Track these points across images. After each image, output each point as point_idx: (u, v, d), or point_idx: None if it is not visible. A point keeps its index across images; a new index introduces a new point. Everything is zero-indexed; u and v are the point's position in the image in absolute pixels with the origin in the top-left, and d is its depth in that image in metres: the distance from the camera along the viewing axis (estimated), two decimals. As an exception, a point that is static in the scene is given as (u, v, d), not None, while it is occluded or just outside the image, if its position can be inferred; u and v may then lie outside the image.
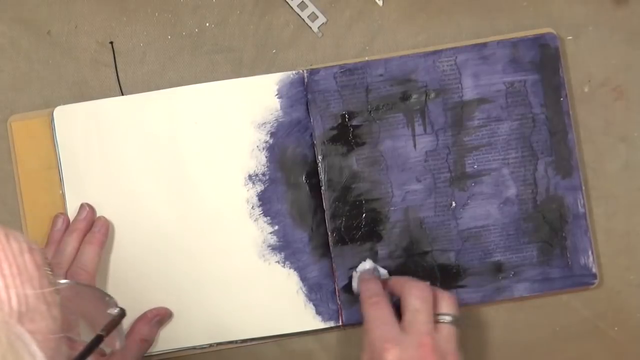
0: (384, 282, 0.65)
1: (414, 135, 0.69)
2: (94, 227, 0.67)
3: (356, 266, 0.68)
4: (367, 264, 0.67)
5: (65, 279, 0.64)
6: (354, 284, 0.67)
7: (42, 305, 0.40)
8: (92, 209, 0.68)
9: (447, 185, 0.68)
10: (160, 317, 0.67)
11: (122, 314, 0.50)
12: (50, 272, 0.42)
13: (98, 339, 0.48)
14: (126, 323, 0.67)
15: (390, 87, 0.69)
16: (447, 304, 0.61)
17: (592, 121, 0.70)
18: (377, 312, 0.61)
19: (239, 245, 0.68)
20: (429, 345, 0.58)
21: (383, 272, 0.67)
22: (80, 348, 0.47)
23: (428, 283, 0.61)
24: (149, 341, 0.67)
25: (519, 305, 0.69)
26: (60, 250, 0.66)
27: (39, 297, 0.40)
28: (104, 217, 0.68)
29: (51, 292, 0.42)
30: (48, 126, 0.69)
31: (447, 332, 0.60)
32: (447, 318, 0.60)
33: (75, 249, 0.66)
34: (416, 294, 0.60)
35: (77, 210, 0.68)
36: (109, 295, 0.52)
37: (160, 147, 0.69)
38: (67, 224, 0.68)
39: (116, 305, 0.51)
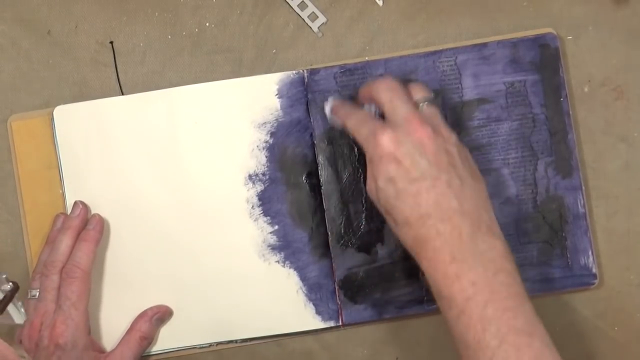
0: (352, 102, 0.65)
1: (414, 135, 0.69)
2: (89, 225, 0.67)
3: (357, 265, 0.68)
4: (331, 99, 0.67)
5: (60, 276, 0.64)
6: (329, 117, 0.67)
7: None
8: (85, 206, 0.68)
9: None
10: (161, 314, 0.67)
11: (15, 289, 0.49)
12: None
13: None
14: (126, 321, 0.67)
15: (390, 87, 0.69)
16: (417, 90, 0.61)
17: (592, 121, 0.70)
18: (356, 117, 0.61)
19: (238, 245, 0.68)
20: (416, 119, 0.57)
21: (332, 100, 0.67)
22: None
23: (389, 76, 0.62)
24: (149, 339, 0.67)
25: (519, 305, 0.69)
26: (54, 248, 0.66)
27: None
28: (98, 215, 0.68)
29: None
30: (48, 126, 0.69)
31: (428, 111, 0.60)
32: (423, 101, 0.60)
33: (70, 246, 0.66)
34: (383, 86, 0.60)
35: (76, 210, 0.68)
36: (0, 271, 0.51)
37: (160, 147, 0.69)
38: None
39: (8, 281, 0.49)
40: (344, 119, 0.63)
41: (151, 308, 0.67)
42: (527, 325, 0.54)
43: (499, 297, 0.54)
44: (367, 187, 0.60)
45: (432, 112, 0.60)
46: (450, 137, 0.59)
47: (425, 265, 0.57)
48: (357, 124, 0.61)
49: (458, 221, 0.56)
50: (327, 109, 0.67)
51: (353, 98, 0.67)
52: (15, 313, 0.51)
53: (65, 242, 0.66)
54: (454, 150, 0.58)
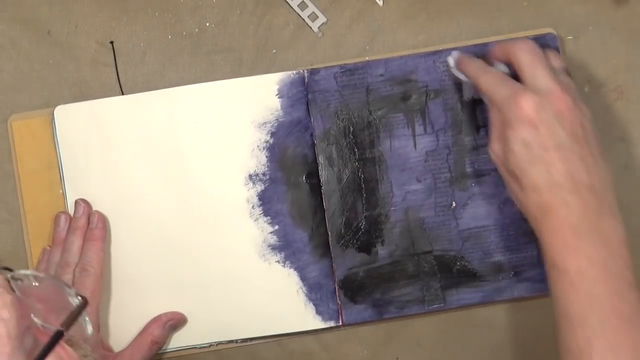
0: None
1: (414, 135, 0.69)
2: (91, 224, 0.67)
3: (357, 265, 0.68)
4: (456, 53, 0.66)
5: (73, 277, 0.64)
6: (454, 71, 0.66)
7: None
8: (87, 204, 0.68)
9: (448, 185, 0.68)
10: (175, 322, 0.67)
11: (83, 304, 0.49)
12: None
13: (58, 335, 0.47)
14: (125, 321, 0.67)
15: (390, 87, 0.69)
16: (555, 59, 0.61)
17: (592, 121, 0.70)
18: (492, 75, 0.60)
19: (239, 244, 0.68)
20: (559, 88, 0.57)
21: (458, 52, 0.67)
22: (48, 337, 0.46)
23: (531, 40, 0.61)
24: (160, 344, 0.67)
25: (519, 305, 0.69)
26: (66, 250, 0.66)
27: None
28: (98, 212, 0.68)
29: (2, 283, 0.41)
30: (48, 126, 0.69)
31: (567, 82, 0.59)
32: (562, 70, 0.60)
33: (81, 247, 0.66)
34: (525, 48, 0.59)
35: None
36: (68, 285, 0.51)
37: (161, 147, 0.69)
38: (70, 222, 0.68)
39: (76, 295, 0.50)
40: (477, 74, 0.62)
41: (165, 314, 0.67)
42: (632, 312, 0.53)
43: (610, 279, 0.54)
44: (492, 148, 0.59)
45: (570, 83, 0.59)
46: (587, 112, 0.58)
47: (544, 233, 0.56)
48: (493, 82, 0.60)
49: (587, 196, 0.55)
50: (452, 61, 0.66)
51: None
52: (83, 326, 0.52)
53: (76, 243, 0.66)
54: (589, 127, 0.58)
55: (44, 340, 0.46)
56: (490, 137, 0.60)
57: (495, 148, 0.59)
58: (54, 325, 0.47)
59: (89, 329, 0.52)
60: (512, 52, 0.60)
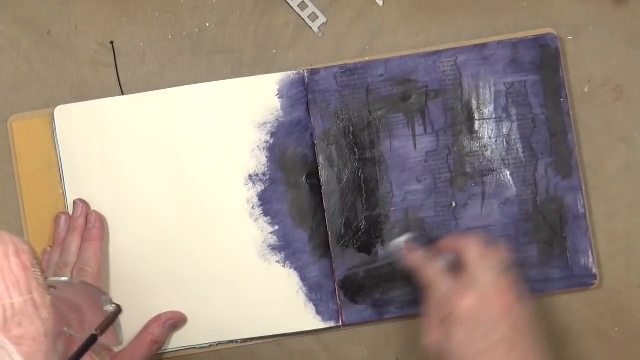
0: (428, 248, 0.65)
1: (414, 136, 0.69)
2: (89, 224, 0.67)
3: (357, 265, 0.68)
4: (402, 238, 0.68)
5: (72, 277, 0.64)
6: (396, 252, 0.67)
7: (29, 308, 0.40)
8: (85, 204, 0.68)
9: (448, 186, 0.68)
10: (175, 321, 0.67)
11: (118, 311, 0.50)
12: (39, 273, 0.42)
13: (92, 339, 0.48)
14: (125, 321, 0.67)
15: (390, 87, 0.69)
16: (498, 253, 0.62)
17: (592, 121, 0.70)
18: (434, 270, 0.62)
19: (239, 245, 0.68)
20: (503, 284, 0.59)
21: (408, 237, 0.68)
22: (77, 345, 0.47)
23: (479, 236, 0.63)
24: (160, 343, 0.67)
25: (519, 305, 0.69)
26: (65, 250, 0.66)
27: (26, 300, 0.40)
28: (96, 212, 0.68)
29: (40, 294, 0.41)
30: (48, 126, 0.69)
31: (509, 277, 0.61)
32: (504, 265, 0.61)
33: (79, 247, 0.66)
34: (474, 247, 0.61)
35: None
36: (104, 293, 0.51)
37: (161, 147, 0.69)
38: None
39: (111, 302, 0.50)
40: (420, 266, 0.63)
41: (165, 313, 0.67)
42: None
43: None
44: (430, 337, 0.61)
45: (511, 278, 0.61)
46: (528, 309, 0.60)
47: None
48: (435, 277, 0.62)
49: None
50: (399, 242, 0.67)
51: (430, 243, 0.67)
52: (117, 333, 0.52)
53: (75, 244, 0.66)
54: (530, 323, 0.60)
55: (74, 347, 0.47)
56: (426, 327, 0.61)
57: (433, 336, 0.61)
58: (83, 334, 0.48)
59: (121, 335, 0.52)
60: (461, 248, 0.62)
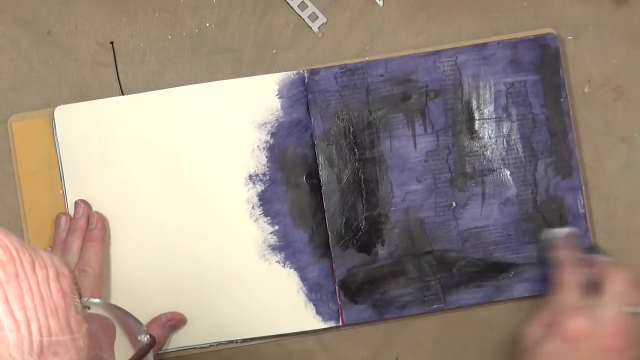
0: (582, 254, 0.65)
1: (414, 136, 0.69)
2: (90, 225, 0.67)
3: (357, 265, 0.68)
4: (563, 230, 0.67)
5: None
6: (548, 237, 0.67)
7: (66, 336, 0.38)
8: (87, 204, 0.68)
9: (448, 186, 0.68)
10: (174, 322, 0.67)
11: (152, 342, 0.49)
12: (78, 299, 0.40)
13: None
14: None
15: (390, 87, 0.69)
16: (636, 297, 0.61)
17: (592, 121, 0.70)
18: (572, 279, 0.61)
19: (239, 245, 0.68)
20: (620, 328, 0.58)
21: (570, 231, 0.67)
22: None
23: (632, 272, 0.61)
24: (160, 344, 0.67)
25: (519, 305, 0.69)
26: (66, 251, 0.66)
27: (63, 328, 0.38)
28: (97, 212, 0.68)
29: (77, 321, 0.40)
30: (48, 126, 0.69)
31: (632, 323, 0.60)
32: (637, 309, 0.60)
33: (80, 247, 0.66)
34: (623, 278, 0.60)
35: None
36: (139, 321, 0.50)
37: (161, 147, 0.69)
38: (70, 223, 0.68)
39: (146, 333, 0.49)
40: (565, 267, 0.63)
41: (165, 314, 0.67)
42: None
43: None
44: (530, 328, 0.61)
45: (635, 324, 0.59)
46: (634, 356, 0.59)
47: None
48: (570, 285, 0.61)
49: None
50: (559, 232, 0.67)
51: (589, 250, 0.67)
52: None
53: (76, 244, 0.66)
54: None
55: None
56: (534, 318, 0.61)
57: (531, 331, 0.60)
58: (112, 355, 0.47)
59: None
60: (610, 276, 0.60)
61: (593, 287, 0.61)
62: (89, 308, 0.45)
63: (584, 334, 0.58)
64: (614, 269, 0.61)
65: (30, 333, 0.36)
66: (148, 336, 0.49)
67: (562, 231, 0.67)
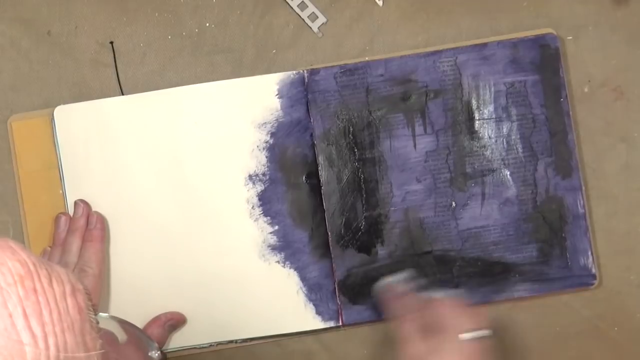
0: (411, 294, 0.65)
1: (414, 136, 0.69)
2: (90, 225, 0.67)
3: (357, 265, 0.68)
4: (403, 275, 0.67)
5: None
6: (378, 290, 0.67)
7: (81, 352, 0.38)
8: (86, 204, 0.68)
9: (447, 186, 0.68)
10: (174, 321, 0.67)
11: (163, 359, 0.49)
12: (93, 315, 0.40)
13: None
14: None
15: (390, 87, 0.69)
16: (474, 320, 0.61)
17: (592, 121, 0.70)
18: (411, 328, 0.61)
19: (239, 245, 0.68)
20: (471, 354, 0.58)
21: (399, 277, 0.67)
22: None
23: (457, 299, 0.61)
24: (160, 344, 0.66)
25: (519, 305, 0.69)
26: (66, 251, 0.66)
27: (79, 344, 0.38)
28: (97, 212, 0.68)
29: (92, 337, 0.40)
30: (48, 126, 0.69)
31: (475, 349, 0.60)
32: (474, 335, 0.60)
33: (80, 247, 0.66)
34: (449, 311, 0.60)
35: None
36: (149, 338, 0.50)
37: (161, 147, 0.69)
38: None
39: (157, 349, 0.49)
40: (404, 322, 0.62)
41: (165, 314, 0.67)
42: None
43: None
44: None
45: (478, 348, 0.60)
46: None
47: None
48: (410, 336, 0.61)
49: None
50: (385, 283, 0.67)
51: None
52: None
53: (75, 244, 0.66)
54: None
55: None
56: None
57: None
58: None
59: None
60: (438, 309, 0.61)
61: (435, 325, 0.60)
62: (98, 322, 0.45)
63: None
64: (440, 303, 0.61)
65: (47, 348, 0.36)
66: (159, 353, 0.49)
67: (396, 278, 0.67)
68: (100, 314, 0.47)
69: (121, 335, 0.50)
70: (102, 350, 0.40)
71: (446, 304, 0.61)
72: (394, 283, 0.67)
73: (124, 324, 0.51)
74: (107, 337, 0.50)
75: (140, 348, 0.50)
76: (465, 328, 0.59)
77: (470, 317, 0.60)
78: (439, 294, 0.64)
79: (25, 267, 0.36)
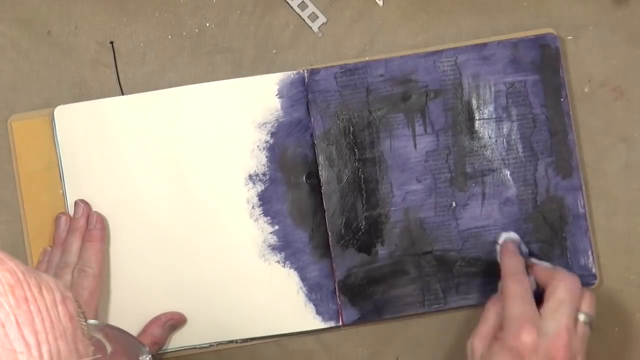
0: (526, 264, 0.64)
1: (414, 136, 0.69)
2: (90, 225, 0.67)
3: (357, 265, 0.68)
4: (513, 235, 0.67)
5: (72, 278, 0.64)
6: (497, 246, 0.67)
7: (74, 358, 0.38)
8: (86, 204, 0.68)
9: (448, 186, 0.68)
10: (174, 321, 0.67)
11: None
12: (84, 322, 0.40)
13: None
14: (124, 321, 0.67)
15: (390, 87, 0.69)
16: (588, 303, 0.60)
17: (592, 121, 0.70)
18: (520, 288, 0.60)
19: (239, 245, 0.68)
20: (565, 340, 0.57)
21: (525, 250, 0.67)
22: None
23: (577, 277, 0.61)
24: (160, 344, 0.67)
25: (519, 305, 0.69)
26: (66, 251, 0.66)
27: (72, 351, 0.38)
28: (97, 213, 0.68)
29: (84, 344, 0.40)
30: (48, 126, 0.69)
31: (582, 332, 0.59)
32: (586, 318, 0.59)
33: (80, 247, 0.66)
34: (567, 285, 0.59)
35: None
36: (141, 342, 0.50)
37: (161, 147, 0.69)
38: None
39: (148, 353, 0.49)
40: (508, 274, 0.62)
41: (165, 314, 0.67)
42: None
43: None
44: (473, 343, 0.60)
45: (584, 335, 0.59)
46: None
47: None
48: (516, 296, 0.60)
49: None
50: (501, 239, 0.67)
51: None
52: None
53: (75, 244, 0.66)
54: None
55: None
56: (476, 330, 0.60)
57: (475, 345, 0.60)
58: None
59: None
60: (553, 281, 0.60)
61: (534, 295, 0.60)
62: (89, 329, 0.45)
63: (531, 348, 0.57)
64: (559, 275, 0.60)
65: (41, 356, 0.36)
66: (150, 357, 0.49)
67: (512, 235, 0.67)
68: (90, 320, 0.47)
69: (107, 345, 0.51)
70: (95, 357, 0.40)
71: (567, 279, 0.60)
72: (515, 240, 0.67)
73: (113, 329, 0.51)
74: (97, 345, 0.50)
75: (131, 354, 0.50)
76: (574, 308, 0.59)
77: (589, 300, 0.60)
78: (546, 264, 0.64)
79: (15, 276, 0.36)
